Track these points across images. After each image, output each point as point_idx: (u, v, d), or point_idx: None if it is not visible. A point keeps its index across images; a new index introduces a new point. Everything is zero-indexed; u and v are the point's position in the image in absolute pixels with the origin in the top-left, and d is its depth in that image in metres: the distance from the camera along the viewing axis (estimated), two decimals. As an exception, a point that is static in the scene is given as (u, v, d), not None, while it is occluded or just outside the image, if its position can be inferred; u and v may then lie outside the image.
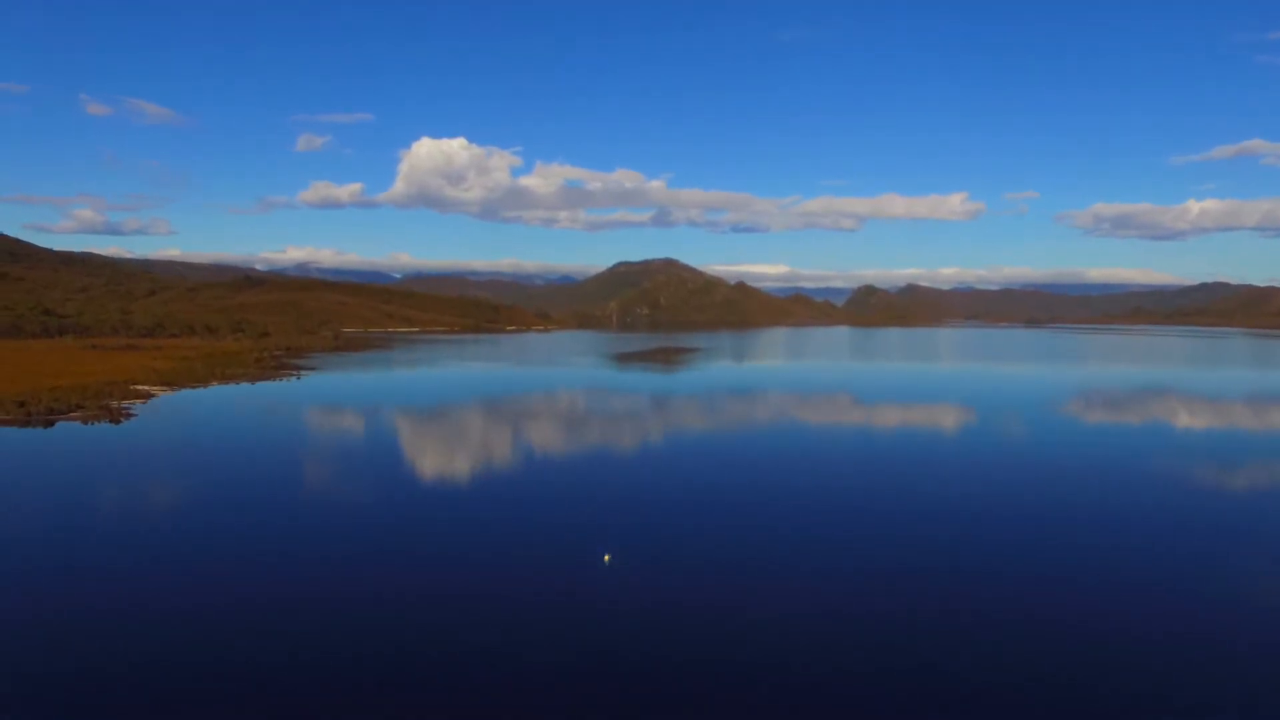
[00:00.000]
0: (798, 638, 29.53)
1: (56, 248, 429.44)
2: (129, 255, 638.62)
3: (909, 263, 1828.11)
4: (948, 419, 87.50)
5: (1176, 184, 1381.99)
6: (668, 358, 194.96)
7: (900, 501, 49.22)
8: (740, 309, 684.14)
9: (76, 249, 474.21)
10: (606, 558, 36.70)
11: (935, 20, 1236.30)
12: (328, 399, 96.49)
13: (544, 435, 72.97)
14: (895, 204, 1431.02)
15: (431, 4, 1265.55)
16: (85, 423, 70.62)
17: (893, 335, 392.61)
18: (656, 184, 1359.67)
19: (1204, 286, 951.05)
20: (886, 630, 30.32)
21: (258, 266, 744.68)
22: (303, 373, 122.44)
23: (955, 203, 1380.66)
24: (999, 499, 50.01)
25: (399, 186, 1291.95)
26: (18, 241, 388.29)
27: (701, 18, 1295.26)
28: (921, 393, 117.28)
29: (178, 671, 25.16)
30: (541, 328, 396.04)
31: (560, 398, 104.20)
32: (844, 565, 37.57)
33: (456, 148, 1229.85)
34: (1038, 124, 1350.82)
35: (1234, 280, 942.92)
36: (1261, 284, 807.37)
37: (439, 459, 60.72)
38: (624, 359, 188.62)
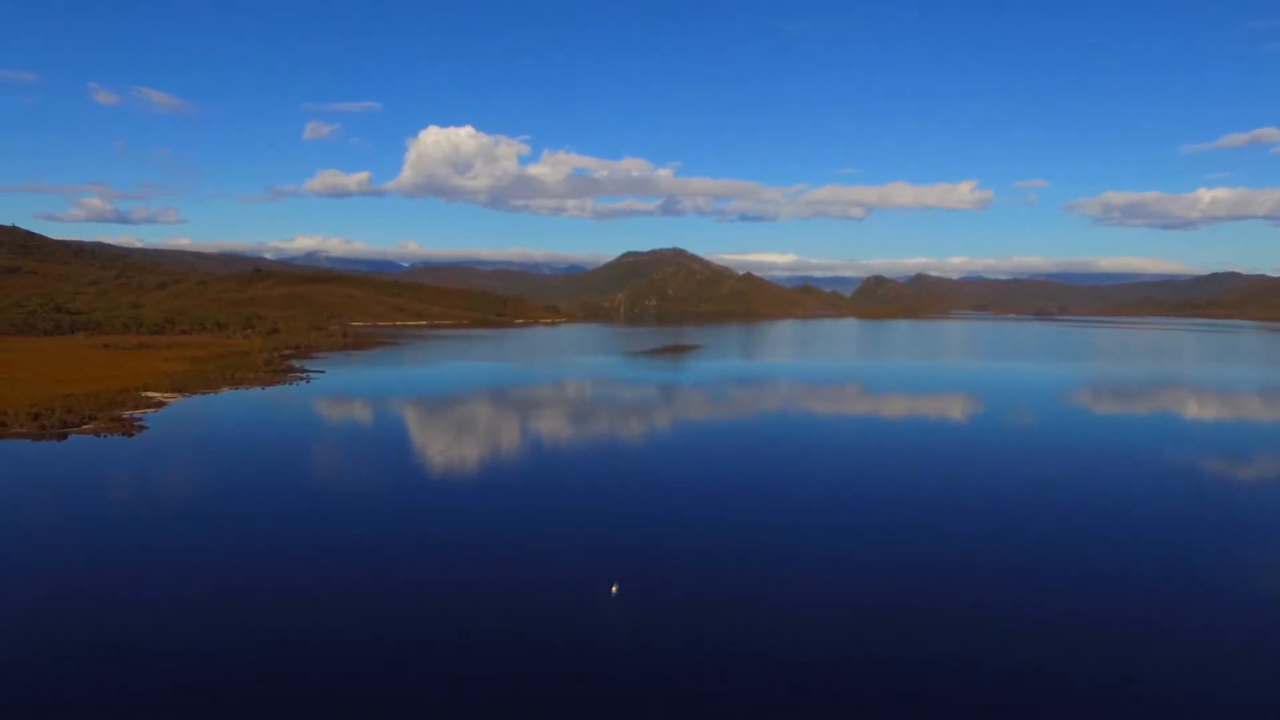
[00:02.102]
0: (810, 632, 30.71)
1: (67, 237, 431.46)
2: (139, 244, 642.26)
3: (918, 251, 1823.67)
4: (965, 430, 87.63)
5: (1187, 172, 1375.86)
6: (675, 358, 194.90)
7: (915, 502, 49.42)
8: (748, 300, 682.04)
9: (87, 238, 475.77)
10: (614, 588, 37.09)
11: (943, 9, 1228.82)
12: (336, 407, 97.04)
13: (554, 439, 73.00)
14: (904, 192, 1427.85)
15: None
16: (98, 435, 71.20)
17: (902, 329, 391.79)
18: (664, 172, 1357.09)
19: (1215, 276, 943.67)
20: (896, 626, 31.59)
21: (266, 255, 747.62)
22: (312, 376, 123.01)
23: (964, 191, 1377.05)
24: (1020, 504, 50.30)
25: (406, 175, 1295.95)
26: (29, 234, 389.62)
27: (710, 7, 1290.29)
28: (942, 400, 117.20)
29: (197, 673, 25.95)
30: (549, 321, 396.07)
31: (568, 406, 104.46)
32: (863, 560, 38.23)
33: (464, 136, 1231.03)
34: (1047, 112, 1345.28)
35: (1245, 270, 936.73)
36: (1273, 274, 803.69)
37: (448, 466, 60.99)
38: (632, 357, 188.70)
